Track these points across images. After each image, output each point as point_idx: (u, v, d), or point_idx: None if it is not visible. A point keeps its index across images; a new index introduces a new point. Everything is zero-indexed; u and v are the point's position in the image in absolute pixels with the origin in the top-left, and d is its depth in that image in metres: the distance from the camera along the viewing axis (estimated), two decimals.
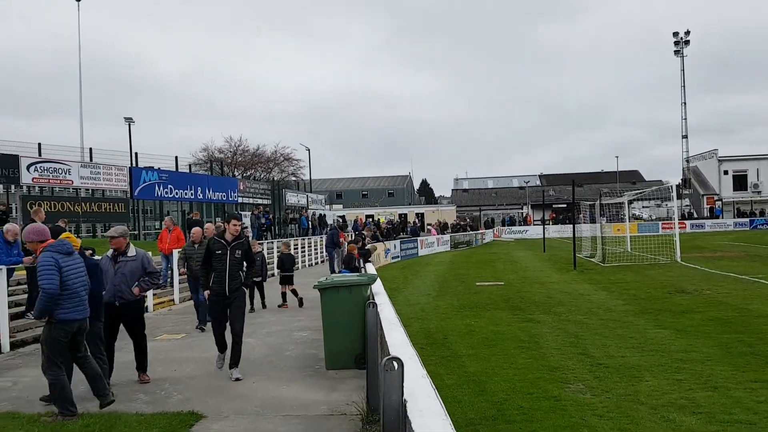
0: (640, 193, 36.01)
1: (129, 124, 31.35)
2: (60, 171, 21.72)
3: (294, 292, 13.15)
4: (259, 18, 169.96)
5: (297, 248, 25.09)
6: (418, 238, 35.17)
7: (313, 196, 44.65)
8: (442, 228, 43.19)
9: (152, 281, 7.09)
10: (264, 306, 12.92)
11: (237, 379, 6.80)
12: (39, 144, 21.82)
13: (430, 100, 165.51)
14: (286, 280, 13.35)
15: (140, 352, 6.96)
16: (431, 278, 20.47)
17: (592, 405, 6.31)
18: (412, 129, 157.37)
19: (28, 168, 20.49)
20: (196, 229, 10.66)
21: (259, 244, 14.43)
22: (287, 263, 13.66)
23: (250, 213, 28.65)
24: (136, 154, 27.07)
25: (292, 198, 38.91)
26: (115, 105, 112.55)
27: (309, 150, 50.16)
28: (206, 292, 7.24)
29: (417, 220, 53.36)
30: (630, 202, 33.75)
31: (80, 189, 23.05)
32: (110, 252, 6.97)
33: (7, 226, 7.54)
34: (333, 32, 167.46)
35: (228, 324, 7.04)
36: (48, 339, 5.46)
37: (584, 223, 32.61)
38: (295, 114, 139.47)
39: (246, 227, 26.74)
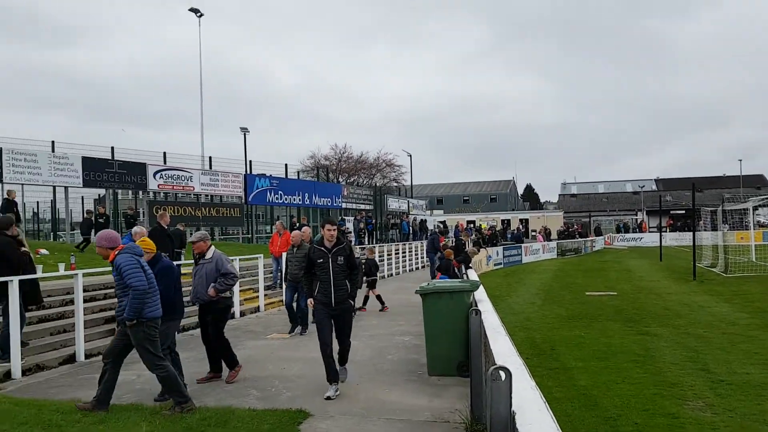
0: (766, 198, 33.11)
1: (244, 134, 33.05)
2: (182, 178, 23.38)
3: (378, 297, 13.53)
4: (361, 26, 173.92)
5: (398, 253, 25.32)
6: (522, 245, 34.31)
7: (414, 202, 44.93)
8: (546, 234, 41.89)
9: (227, 282, 6.99)
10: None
11: (341, 380, 6.87)
12: (164, 153, 23.58)
13: (536, 103, 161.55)
14: (371, 284, 13.75)
15: (218, 350, 7.15)
16: (536, 286, 19.89)
17: (713, 424, 5.89)
18: (516, 133, 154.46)
19: (154, 175, 22.26)
20: (294, 233, 10.99)
21: (360, 248, 14.78)
22: (372, 268, 14.04)
23: (352, 218, 29.31)
24: (250, 162, 28.59)
25: (394, 203, 39.39)
26: (229, 115, 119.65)
27: (410, 156, 50.63)
28: (310, 301, 6.83)
29: (521, 226, 52.10)
30: (755, 208, 31.07)
31: (200, 195, 24.68)
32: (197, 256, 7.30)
33: (135, 229, 8.14)
34: (436, 37, 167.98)
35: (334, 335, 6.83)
36: (144, 339, 5.55)
37: (705, 230, 30.51)
38: (398, 120, 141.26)
39: (349, 232, 27.39)
